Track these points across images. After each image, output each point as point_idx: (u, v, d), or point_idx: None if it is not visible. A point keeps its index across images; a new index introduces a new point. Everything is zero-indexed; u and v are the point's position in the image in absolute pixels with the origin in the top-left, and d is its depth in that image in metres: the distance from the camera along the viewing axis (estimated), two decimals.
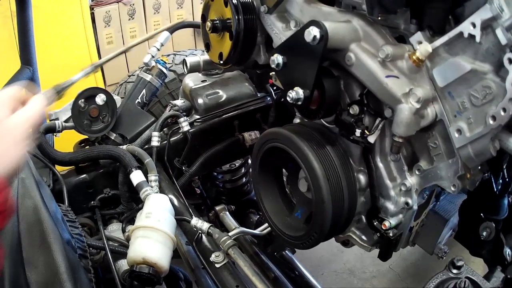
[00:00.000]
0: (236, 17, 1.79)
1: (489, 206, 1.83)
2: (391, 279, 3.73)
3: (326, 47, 1.35)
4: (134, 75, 3.29)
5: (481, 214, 1.84)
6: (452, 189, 1.43)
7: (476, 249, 1.91)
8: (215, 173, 2.93)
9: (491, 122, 1.20)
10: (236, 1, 1.79)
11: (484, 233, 1.80)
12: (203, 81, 2.64)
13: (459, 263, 1.51)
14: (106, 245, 1.95)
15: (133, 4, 5.75)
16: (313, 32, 1.33)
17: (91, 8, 5.46)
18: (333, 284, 3.69)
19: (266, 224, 2.01)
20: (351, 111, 1.53)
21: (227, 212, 2.48)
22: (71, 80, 1.68)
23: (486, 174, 1.62)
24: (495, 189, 1.76)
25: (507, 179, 1.79)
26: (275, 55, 1.52)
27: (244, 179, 2.96)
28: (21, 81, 2.62)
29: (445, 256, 2.01)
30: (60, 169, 2.43)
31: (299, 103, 1.47)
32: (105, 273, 2.02)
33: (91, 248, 1.92)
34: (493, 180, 1.74)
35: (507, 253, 1.82)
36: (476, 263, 2.00)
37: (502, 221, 1.83)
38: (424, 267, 3.80)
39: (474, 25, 1.18)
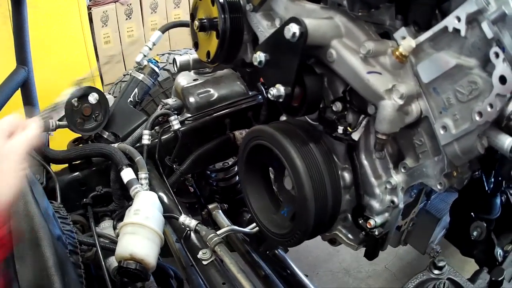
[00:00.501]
0: (222, 16, 1.80)
1: (480, 205, 1.83)
2: (387, 279, 3.73)
3: (305, 44, 1.35)
4: (128, 75, 3.31)
5: (472, 214, 1.84)
6: (438, 187, 1.43)
7: (467, 249, 1.91)
8: (209, 172, 2.93)
9: (477, 118, 1.19)
10: (222, 0, 1.79)
11: (475, 233, 1.80)
12: (195, 80, 2.65)
13: (441, 264, 1.49)
14: (97, 242, 1.96)
15: (130, 4, 5.79)
16: (292, 29, 1.33)
17: (89, 8, 5.49)
18: (329, 284, 3.69)
19: None
20: (334, 108, 1.52)
21: (220, 211, 2.53)
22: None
23: (477, 173, 1.61)
24: (487, 188, 1.76)
25: (499, 178, 1.78)
26: (258, 52, 1.52)
27: (237, 178, 2.95)
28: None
29: (437, 256, 2.00)
30: (55, 167, 2.45)
31: (280, 100, 1.46)
32: (97, 269, 2.04)
33: (82, 245, 1.94)
34: (484, 179, 1.74)
35: (498, 253, 1.81)
36: (473, 264, 1.99)
37: (494, 221, 1.83)
38: (420, 267, 3.76)
39: (459, 19, 1.17)
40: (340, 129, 1.50)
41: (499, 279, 1.51)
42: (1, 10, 4.32)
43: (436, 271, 1.50)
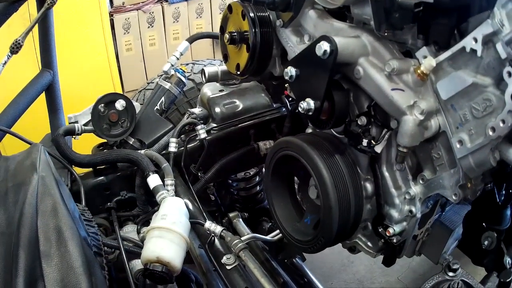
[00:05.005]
0: (253, 30, 1.87)
1: (492, 216, 1.87)
2: None
3: (336, 61, 1.42)
4: (153, 83, 3.35)
5: (484, 224, 1.89)
6: (454, 198, 1.49)
7: (478, 258, 1.96)
8: (230, 181, 2.98)
9: (490, 133, 1.26)
10: (253, 15, 1.86)
11: (486, 242, 1.84)
12: (220, 91, 2.68)
13: (455, 266, 1.58)
14: (121, 245, 1.98)
15: (153, 12, 5.78)
16: (323, 46, 1.40)
17: (111, 15, 5.51)
18: None
19: (277, 231, 2.05)
20: (359, 122, 1.60)
21: (240, 219, 2.54)
22: None
23: (489, 185, 1.66)
24: (498, 200, 1.81)
25: (510, 190, 1.83)
26: (289, 67, 1.59)
27: (258, 188, 2.99)
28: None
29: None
30: (78, 171, 2.46)
31: (310, 113, 1.54)
32: (118, 272, 2.04)
33: (105, 247, 1.96)
34: (496, 191, 1.79)
35: (507, 261, 1.86)
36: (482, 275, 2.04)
37: (504, 231, 1.88)
38: None
39: (476, 40, 1.24)
40: (365, 142, 1.57)
41: (507, 280, 1.59)
42: (20, 12, 4.37)
43: (450, 273, 1.58)
